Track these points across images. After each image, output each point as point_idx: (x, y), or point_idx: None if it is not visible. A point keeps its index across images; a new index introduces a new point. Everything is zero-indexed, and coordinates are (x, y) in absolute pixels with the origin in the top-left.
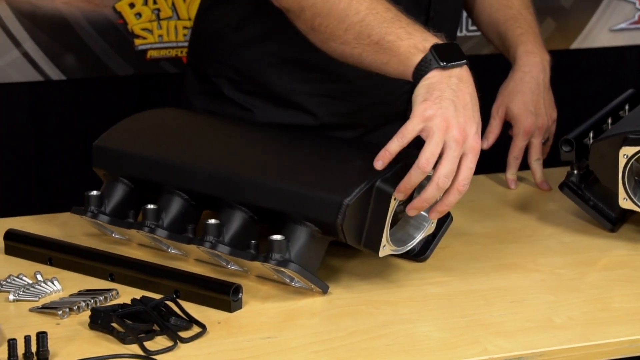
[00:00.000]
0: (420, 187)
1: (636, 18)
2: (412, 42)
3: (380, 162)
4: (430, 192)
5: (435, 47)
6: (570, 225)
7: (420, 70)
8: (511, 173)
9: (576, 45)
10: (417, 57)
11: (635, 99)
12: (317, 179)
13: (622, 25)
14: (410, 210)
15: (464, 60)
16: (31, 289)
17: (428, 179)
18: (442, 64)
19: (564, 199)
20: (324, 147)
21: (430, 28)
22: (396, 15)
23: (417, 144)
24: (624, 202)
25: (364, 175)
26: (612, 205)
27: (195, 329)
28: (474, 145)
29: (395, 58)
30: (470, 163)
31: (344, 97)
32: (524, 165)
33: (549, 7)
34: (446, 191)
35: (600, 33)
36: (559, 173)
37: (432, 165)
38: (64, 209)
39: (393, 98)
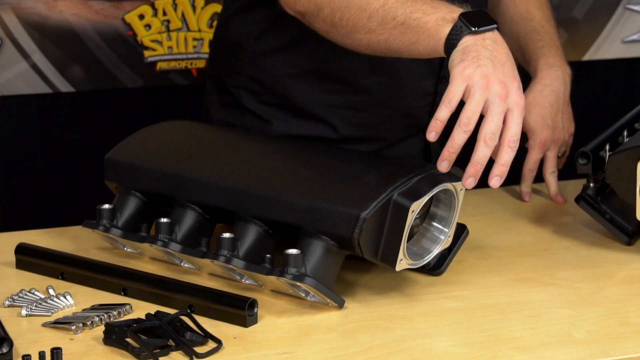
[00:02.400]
0: (437, 200)
1: None
2: (440, 14)
3: (434, 132)
4: (481, 152)
5: (464, 15)
6: (586, 239)
7: (452, 40)
8: (526, 186)
9: (588, 56)
10: (447, 29)
11: None
12: (333, 192)
13: (634, 37)
14: (467, 181)
15: (495, 25)
16: (44, 303)
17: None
18: (473, 29)
19: (579, 212)
20: (340, 160)
21: None
22: None
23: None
24: None
25: (381, 189)
26: (629, 218)
27: (211, 344)
28: (518, 100)
29: (424, 34)
30: (517, 118)
31: (365, 109)
32: (539, 177)
33: (561, 18)
34: (498, 151)
35: (613, 44)
36: (573, 186)
37: (474, 123)
38: (73, 222)
39: (414, 111)
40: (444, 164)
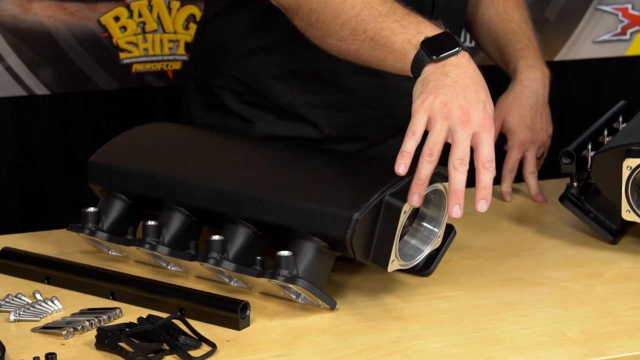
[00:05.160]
0: (427, 200)
1: (619, 30)
2: (406, 36)
3: (402, 165)
4: (455, 179)
5: (424, 42)
6: (571, 238)
7: (417, 67)
8: (506, 186)
9: (560, 57)
10: (411, 54)
11: (627, 111)
12: (324, 193)
13: (605, 37)
14: (453, 210)
15: (457, 48)
16: (32, 308)
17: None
18: (434, 57)
19: (561, 211)
20: (329, 161)
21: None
22: (391, 8)
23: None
24: (627, 214)
25: (373, 190)
26: (613, 217)
27: (205, 348)
28: (483, 121)
29: (391, 55)
30: (485, 139)
31: (348, 109)
32: (519, 177)
33: (534, 19)
34: (476, 176)
35: (584, 45)
36: (553, 185)
37: (437, 153)
38: (49, 226)
39: (397, 111)
40: (414, 198)
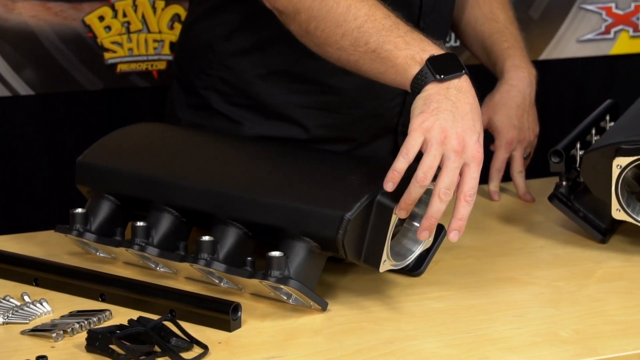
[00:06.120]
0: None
1: (603, 29)
2: (410, 52)
3: (390, 183)
4: (434, 207)
5: (431, 60)
6: (560, 237)
7: (418, 83)
8: (494, 185)
9: (544, 56)
10: (414, 70)
11: (614, 109)
12: (315, 193)
13: (589, 36)
14: (422, 234)
15: (462, 71)
16: (20, 310)
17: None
18: (438, 77)
19: (550, 211)
20: (320, 161)
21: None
22: (395, 22)
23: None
24: (617, 213)
25: (364, 190)
26: (602, 216)
27: (197, 350)
28: (475, 154)
29: (392, 69)
30: (473, 173)
31: (335, 110)
32: (506, 177)
33: (518, 18)
34: (454, 206)
35: (568, 44)
36: (539, 184)
37: (430, 177)
38: (33, 227)
39: (384, 111)
40: (401, 213)
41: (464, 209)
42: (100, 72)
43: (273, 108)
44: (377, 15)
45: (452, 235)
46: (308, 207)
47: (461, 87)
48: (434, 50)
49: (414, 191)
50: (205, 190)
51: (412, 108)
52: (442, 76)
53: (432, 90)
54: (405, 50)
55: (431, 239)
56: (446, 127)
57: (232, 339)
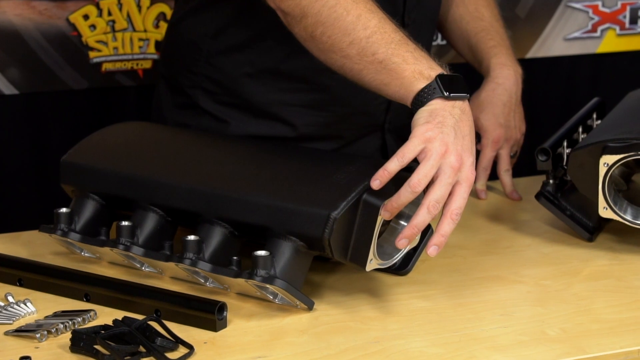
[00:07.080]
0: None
1: (589, 27)
2: (418, 67)
3: (378, 181)
4: (420, 217)
5: (440, 77)
6: (547, 236)
7: (422, 97)
8: (480, 184)
9: (531, 54)
10: (421, 84)
11: (601, 108)
12: (301, 192)
13: (576, 34)
14: (401, 242)
15: (467, 94)
16: (4, 311)
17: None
18: (446, 93)
19: (537, 209)
20: (306, 159)
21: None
22: (403, 38)
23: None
24: (604, 211)
25: (350, 188)
26: (589, 215)
27: (182, 350)
28: (469, 175)
29: (397, 81)
30: (463, 192)
31: (323, 107)
32: (493, 175)
33: (504, 16)
34: (439, 221)
35: (555, 42)
36: (526, 183)
37: (423, 185)
38: (18, 227)
39: (372, 109)
40: (386, 215)
41: (448, 226)
42: (85, 71)
43: (260, 106)
44: (387, 28)
45: (431, 250)
46: (294, 205)
47: (464, 108)
48: (441, 70)
49: (404, 196)
50: (191, 189)
51: (416, 118)
52: (450, 94)
53: (437, 105)
54: (414, 65)
55: (418, 238)
56: (448, 142)
57: (218, 339)
